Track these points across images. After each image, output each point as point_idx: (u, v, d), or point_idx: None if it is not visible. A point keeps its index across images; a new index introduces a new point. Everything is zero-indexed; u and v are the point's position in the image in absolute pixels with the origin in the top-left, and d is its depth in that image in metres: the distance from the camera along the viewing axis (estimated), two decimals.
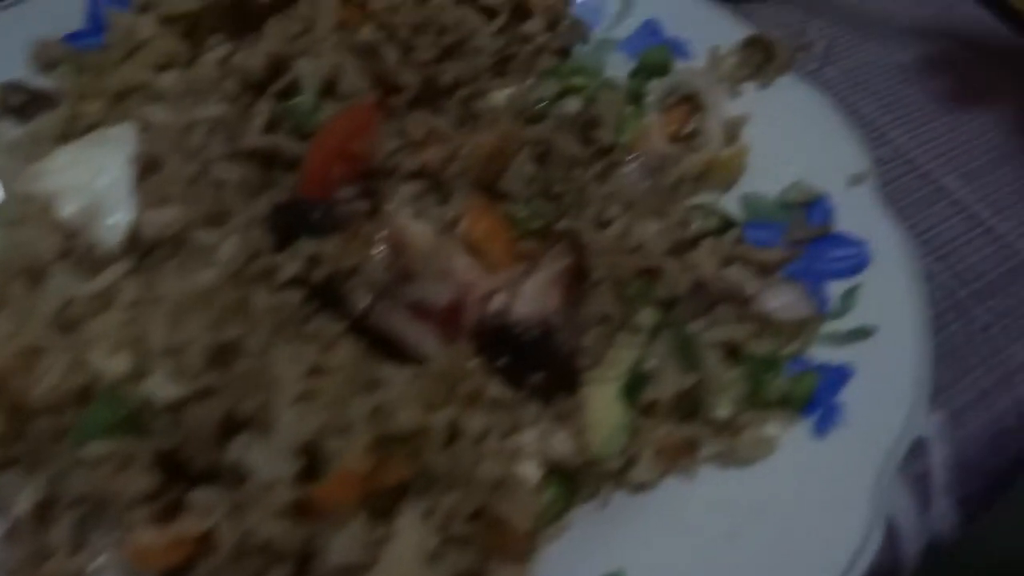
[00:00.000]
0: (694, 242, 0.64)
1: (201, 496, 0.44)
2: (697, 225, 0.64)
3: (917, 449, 0.67)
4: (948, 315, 0.73)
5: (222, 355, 0.45)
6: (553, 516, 0.52)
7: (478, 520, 0.48)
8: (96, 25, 0.69)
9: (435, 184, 0.67)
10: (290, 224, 0.56)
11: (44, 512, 0.44)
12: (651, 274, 0.62)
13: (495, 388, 0.54)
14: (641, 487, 0.53)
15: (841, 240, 0.61)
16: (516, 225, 0.67)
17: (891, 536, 0.65)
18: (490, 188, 0.69)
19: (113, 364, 0.44)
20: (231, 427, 0.44)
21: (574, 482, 0.53)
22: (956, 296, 0.75)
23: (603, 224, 0.68)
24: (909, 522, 0.65)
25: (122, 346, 0.44)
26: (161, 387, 0.43)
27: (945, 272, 0.76)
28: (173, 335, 0.44)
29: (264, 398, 0.45)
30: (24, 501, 0.43)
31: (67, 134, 0.61)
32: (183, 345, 0.44)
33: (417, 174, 0.66)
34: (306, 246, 0.54)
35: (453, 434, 0.52)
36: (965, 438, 0.67)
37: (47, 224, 0.51)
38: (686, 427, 0.54)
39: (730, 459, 0.52)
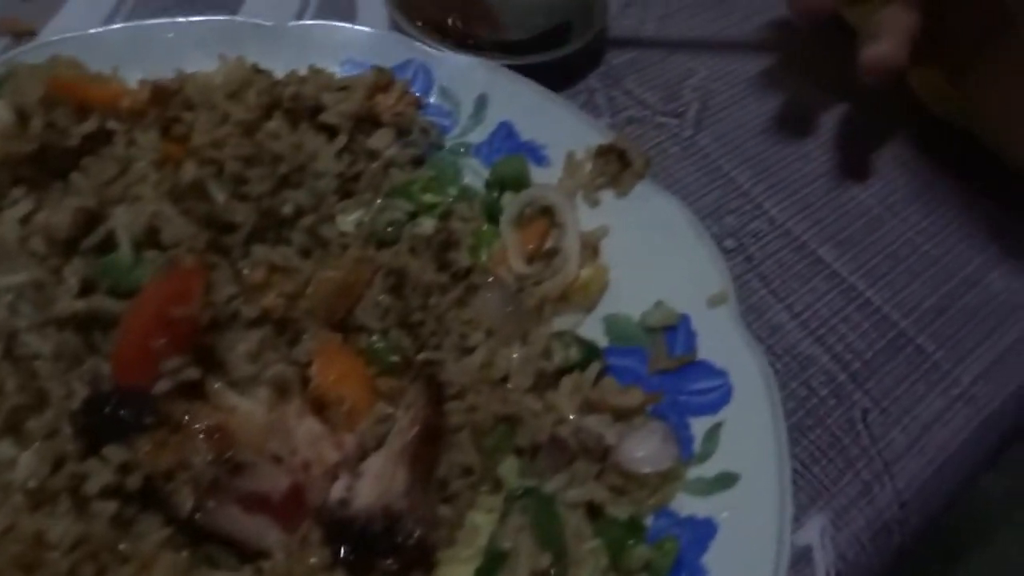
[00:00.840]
0: (557, 376, 0.62)
1: None
2: (560, 356, 0.63)
3: (801, 559, 0.67)
4: (829, 402, 0.74)
5: None
6: None
7: None
8: None
9: (281, 327, 0.64)
10: (99, 424, 0.51)
11: None
12: (511, 421, 0.60)
13: None
14: None
15: (703, 369, 0.60)
16: (373, 360, 0.65)
17: None
18: (342, 323, 0.66)
19: None
20: None
21: None
22: (836, 381, 0.75)
23: (465, 351, 0.66)
24: None
25: None
26: None
27: (824, 355, 0.77)
28: None
29: None
30: None
31: None
32: None
33: (259, 320, 0.63)
34: (116, 453, 0.50)
35: None
36: (848, 539, 0.68)
37: None
38: None
39: None
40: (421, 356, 0.65)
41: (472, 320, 0.67)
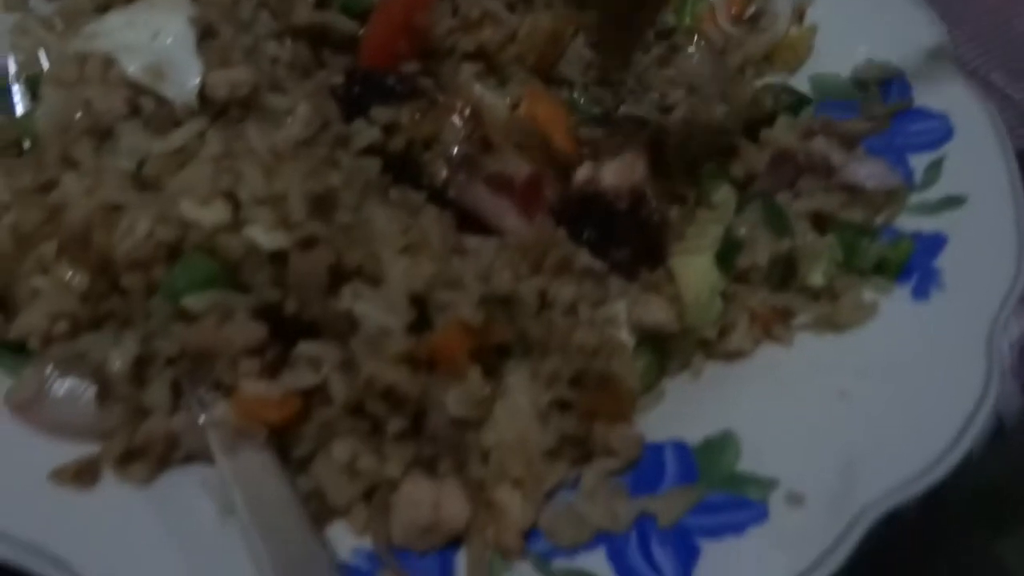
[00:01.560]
0: (769, 120, 0.64)
1: (308, 349, 0.43)
2: (769, 103, 0.64)
3: None
4: None
5: (322, 205, 0.44)
6: (646, 385, 0.52)
7: (580, 385, 0.48)
8: None
9: (492, 67, 0.66)
10: (362, 93, 0.54)
11: (139, 371, 0.43)
12: (725, 153, 0.61)
13: (583, 258, 0.53)
14: (736, 355, 0.53)
15: (921, 114, 0.61)
16: (575, 112, 0.67)
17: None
18: (547, 74, 0.69)
19: (208, 214, 0.42)
20: (339, 277, 0.43)
21: (666, 351, 0.53)
22: None
23: (665, 110, 0.67)
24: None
25: (215, 197, 0.43)
26: (263, 236, 0.42)
27: None
28: (270, 184, 0.43)
29: (370, 250, 0.44)
30: (118, 359, 0.42)
31: (106, 5, 0.58)
32: (282, 194, 0.43)
33: (474, 55, 0.65)
34: (382, 113, 0.53)
35: (544, 304, 0.51)
36: None
37: (111, 82, 0.49)
38: (781, 295, 0.54)
39: (829, 325, 0.52)
40: (622, 110, 0.68)
41: (673, 79, 0.68)
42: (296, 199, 0.43)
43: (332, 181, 0.45)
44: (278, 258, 0.43)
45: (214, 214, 0.43)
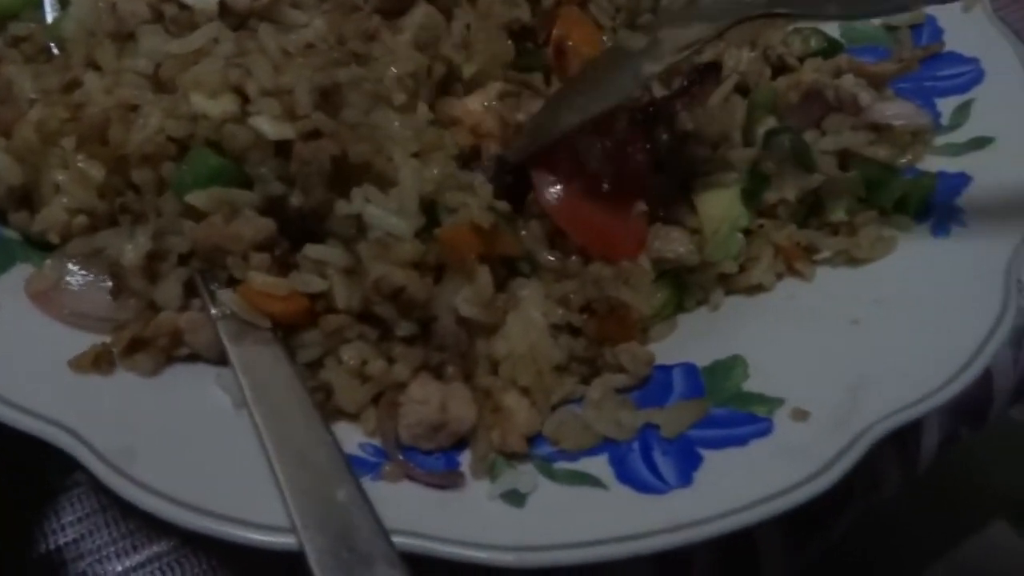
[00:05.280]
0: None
1: (314, 252, 0.44)
2: (799, 46, 0.64)
3: None
4: None
5: (329, 100, 0.45)
6: (663, 318, 0.52)
7: (591, 311, 0.49)
8: None
9: None
10: None
11: (152, 267, 0.44)
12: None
13: None
14: (757, 289, 0.53)
15: (952, 58, 0.61)
16: None
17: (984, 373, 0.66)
18: None
19: (216, 106, 0.44)
20: (346, 176, 0.44)
21: (684, 285, 0.53)
22: None
23: (694, 53, 0.68)
24: (1001, 360, 0.66)
25: (224, 90, 0.44)
26: (269, 126, 0.43)
27: None
28: (278, 78, 0.44)
29: (379, 148, 0.45)
30: (131, 253, 0.43)
31: None
32: (289, 86, 0.44)
33: None
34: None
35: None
36: None
37: None
38: (805, 232, 0.54)
39: (846, 258, 0.53)
40: None
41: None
42: (303, 92, 0.43)
43: (339, 77, 0.45)
44: (283, 150, 0.44)
45: (222, 106, 0.44)
